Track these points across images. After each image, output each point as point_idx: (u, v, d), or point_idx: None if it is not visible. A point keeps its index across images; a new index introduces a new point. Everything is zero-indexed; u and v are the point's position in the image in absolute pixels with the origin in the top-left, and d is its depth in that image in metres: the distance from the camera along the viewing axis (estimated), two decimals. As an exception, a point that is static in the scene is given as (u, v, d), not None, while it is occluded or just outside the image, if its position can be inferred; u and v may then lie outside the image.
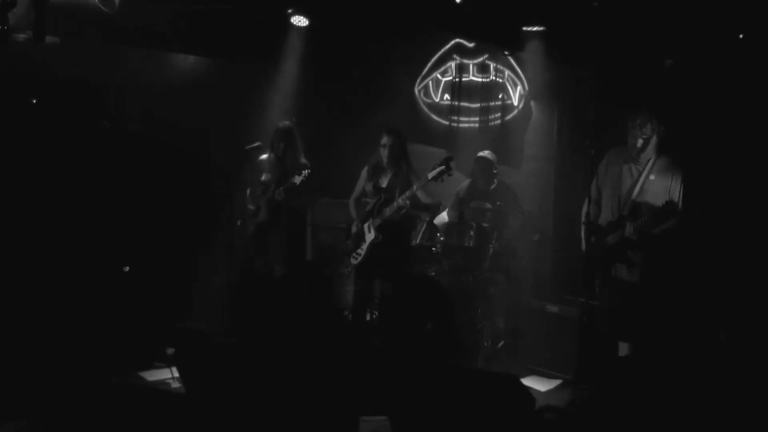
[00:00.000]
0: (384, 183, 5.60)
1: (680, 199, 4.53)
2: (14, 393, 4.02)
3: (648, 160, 4.69)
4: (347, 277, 6.53)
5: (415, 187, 5.34)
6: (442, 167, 5.24)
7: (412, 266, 5.92)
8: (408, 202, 5.35)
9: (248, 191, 5.94)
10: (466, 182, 6.52)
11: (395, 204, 5.39)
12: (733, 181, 4.97)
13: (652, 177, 4.65)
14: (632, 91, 5.60)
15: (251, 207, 5.89)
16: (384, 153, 5.56)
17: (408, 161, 5.60)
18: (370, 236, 5.56)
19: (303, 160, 5.74)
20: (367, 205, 5.70)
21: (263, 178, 5.81)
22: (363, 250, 5.59)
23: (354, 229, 5.69)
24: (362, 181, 5.78)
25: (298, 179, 5.44)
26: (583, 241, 4.92)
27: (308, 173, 5.43)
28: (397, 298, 5.60)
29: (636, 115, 4.68)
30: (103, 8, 4.94)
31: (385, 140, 5.56)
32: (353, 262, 5.66)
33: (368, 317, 6.14)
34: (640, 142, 4.63)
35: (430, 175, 5.27)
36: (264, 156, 5.86)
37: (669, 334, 4.47)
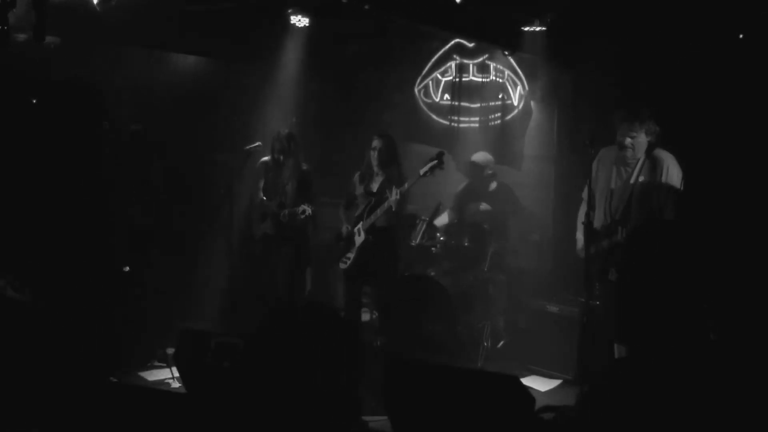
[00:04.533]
0: (374, 187, 5.57)
1: (670, 199, 4.44)
2: (13, 393, 4.01)
3: (637, 162, 4.56)
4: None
5: (406, 185, 5.31)
6: (434, 162, 5.24)
7: (402, 270, 5.91)
8: (397, 201, 5.27)
9: (259, 187, 5.92)
10: (465, 183, 6.52)
11: (385, 204, 5.36)
12: (728, 182, 4.96)
13: (641, 179, 4.52)
14: (631, 90, 5.59)
15: (262, 197, 5.88)
16: (374, 156, 5.53)
17: (398, 165, 5.56)
18: (359, 239, 5.53)
19: (304, 166, 5.74)
20: (357, 210, 5.69)
21: (261, 184, 5.81)
22: (352, 253, 5.57)
23: (344, 232, 5.67)
24: (353, 187, 5.75)
25: (302, 216, 5.46)
26: (578, 242, 4.88)
27: (312, 212, 5.46)
28: (394, 298, 5.60)
29: (626, 112, 4.54)
30: (97, 7, 4.94)
31: (375, 143, 5.54)
32: (342, 266, 5.65)
33: (369, 317, 6.15)
34: (628, 140, 4.49)
35: (422, 171, 5.26)
36: (265, 158, 5.86)
37: (664, 336, 4.44)
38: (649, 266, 4.47)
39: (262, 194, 5.81)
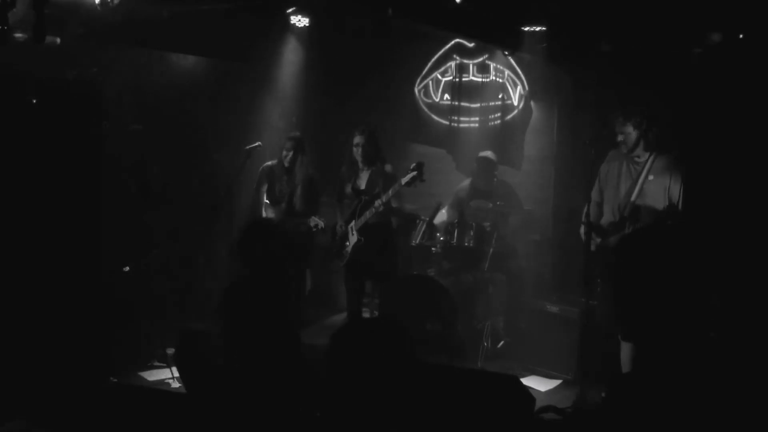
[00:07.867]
0: (363, 184, 5.53)
1: (679, 200, 4.49)
2: (12, 393, 4.02)
3: (647, 160, 4.65)
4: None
5: (390, 192, 5.27)
6: (414, 173, 5.19)
7: (402, 268, 5.89)
8: (382, 208, 5.29)
9: (262, 191, 5.92)
10: (466, 182, 6.53)
11: (373, 208, 5.34)
12: (732, 181, 4.96)
13: (651, 177, 4.59)
14: (631, 90, 5.60)
15: (266, 202, 5.87)
16: (357, 152, 5.48)
17: (383, 158, 5.52)
18: (353, 238, 5.50)
19: (311, 170, 5.73)
20: (349, 206, 5.66)
21: (264, 188, 5.81)
22: (348, 251, 5.55)
23: (339, 229, 5.64)
24: (339, 182, 5.72)
25: (314, 229, 5.54)
26: (583, 236, 4.90)
27: (323, 226, 5.54)
28: (395, 297, 5.59)
29: (617, 113, 4.67)
30: (98, 7, 4.94)
31: (357, 139, 5.47)
32: (340, 263, 5.64)
33: (369, 316, 6.13)
34: (620, 137, 4.63)
35: (403, 181, 5.21)
36: (269, 163, 5.85)
37: (671, 333, 4.44)
38: (645, 267, 4.48)
39: (266, 199, 5.80)
